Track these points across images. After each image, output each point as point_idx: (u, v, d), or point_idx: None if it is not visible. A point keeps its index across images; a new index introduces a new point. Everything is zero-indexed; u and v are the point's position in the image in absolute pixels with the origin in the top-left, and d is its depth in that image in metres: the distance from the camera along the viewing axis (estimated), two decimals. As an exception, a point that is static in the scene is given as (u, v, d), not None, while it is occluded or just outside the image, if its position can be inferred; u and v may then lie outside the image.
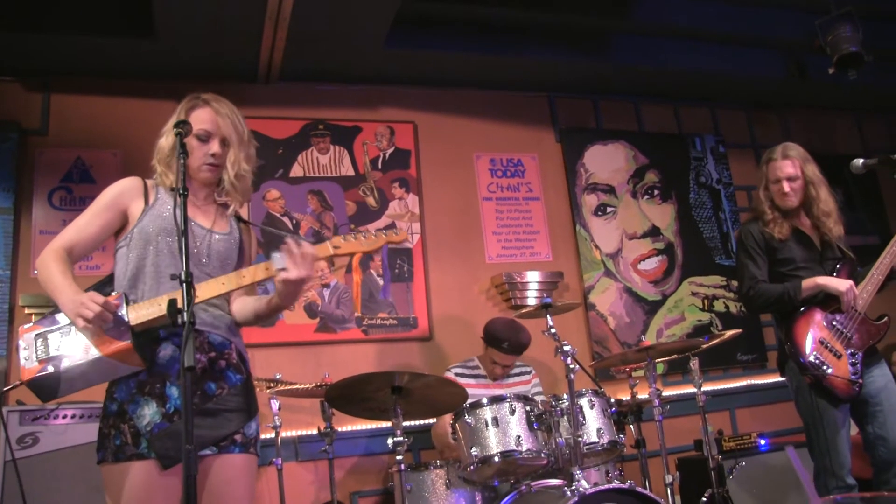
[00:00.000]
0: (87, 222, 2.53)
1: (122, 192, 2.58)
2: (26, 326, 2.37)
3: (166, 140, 2.61)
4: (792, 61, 5.85)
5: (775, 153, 3.88)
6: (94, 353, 2.27)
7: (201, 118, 2.62)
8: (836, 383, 3.52)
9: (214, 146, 2.61)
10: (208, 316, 2.50)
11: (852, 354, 3.59)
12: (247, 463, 2.46)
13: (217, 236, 2.62)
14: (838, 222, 3.82)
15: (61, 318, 2.35)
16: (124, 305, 2.33)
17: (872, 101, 6.86)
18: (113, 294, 2.37)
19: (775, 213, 3.84)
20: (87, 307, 2.22)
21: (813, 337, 3.60)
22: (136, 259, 2.48)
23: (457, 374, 4.51)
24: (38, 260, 2.46)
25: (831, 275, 3.70)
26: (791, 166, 3.81)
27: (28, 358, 2.30)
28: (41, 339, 2.33)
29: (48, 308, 2.40)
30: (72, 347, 2.29)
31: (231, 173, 2.64)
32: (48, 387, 2.30)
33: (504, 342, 4.41)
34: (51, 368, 2.27)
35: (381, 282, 5.18)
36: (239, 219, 2.78)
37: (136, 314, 2.33)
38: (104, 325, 2.27)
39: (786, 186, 3.78)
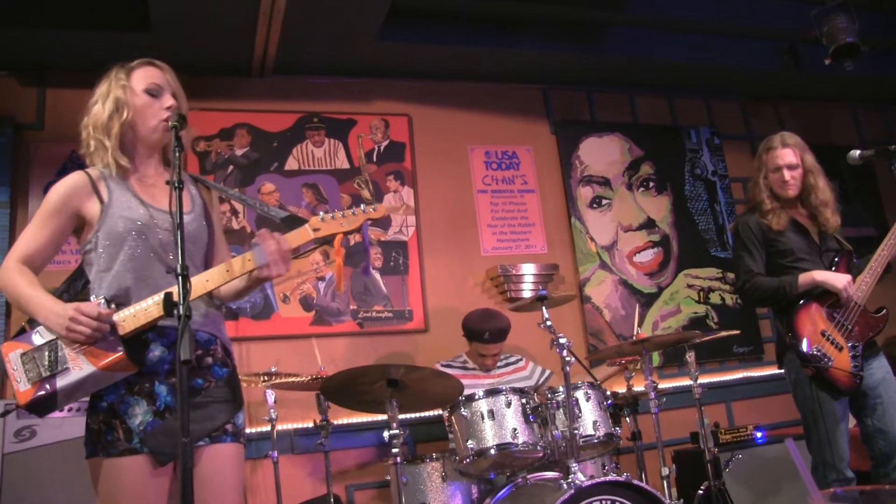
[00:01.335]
0: (38, 231, 2.41)
1: (68, 193, 2.42)
2: (9, 343, 2.30)
3: (102, 107, 2.50)
4: (787, 52, 5.84)
5: (774, 141, 3.87)
6: (89, 367, 2.23)
7: (149, 74, 2.55)
8: (837, 376, 3.51)
9: (169, 99, 2.52)
10: (196, 314, 2.45)
11: (853, 347, 3.57)
12: (236, 452, 2.46)
13: (185, 218, 2.41)
14: (836, 213, 3.80)
15: (44, 333, 2.29)
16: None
17: (868, 92, 6.83)
18: (94, 300, 2.32)
19: (774, 203, 3.82)
20: (80, 322, 2.20)
21: (814, 328, 3.58)
22: (113, 263, 2.38)
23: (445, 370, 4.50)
24: None
25: (830, 268, 3.69)
26: (791, 155, 3.80)
27: (20, 380, 2.24)
28: (29, 359, 2.26)
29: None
30: (64, 364, 2.24)
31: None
32: (46, 406, 2.25)
33: (485, 332, 4.41)
34: (48, 388, 2.22)
35: (376, 275, 5.17)
36: (196, 179, 2.69)
37: (124, 322, 2.29)
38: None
39: (786, 175, 3.77)
